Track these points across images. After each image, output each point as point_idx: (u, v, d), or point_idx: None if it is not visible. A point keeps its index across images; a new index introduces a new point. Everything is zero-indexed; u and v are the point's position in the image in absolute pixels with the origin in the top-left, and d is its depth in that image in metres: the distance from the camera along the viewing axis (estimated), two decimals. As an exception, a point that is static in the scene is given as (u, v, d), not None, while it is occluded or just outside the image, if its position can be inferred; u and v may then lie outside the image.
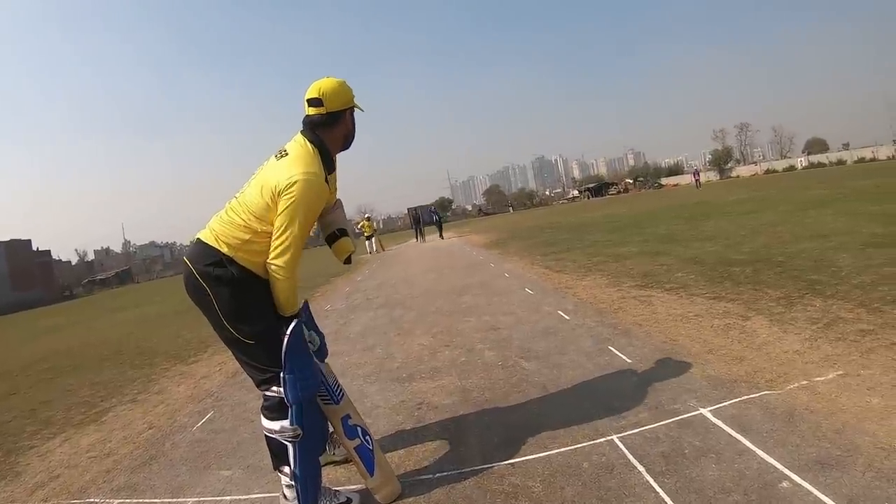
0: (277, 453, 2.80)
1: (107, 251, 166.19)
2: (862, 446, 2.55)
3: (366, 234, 28.59)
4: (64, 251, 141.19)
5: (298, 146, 2.80)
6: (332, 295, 12.25)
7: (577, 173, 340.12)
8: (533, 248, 15.08)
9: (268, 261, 2.69)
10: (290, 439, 2.67)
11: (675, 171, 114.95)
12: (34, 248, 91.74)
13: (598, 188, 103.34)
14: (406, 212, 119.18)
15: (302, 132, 2.88)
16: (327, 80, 2.88)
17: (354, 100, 2.98)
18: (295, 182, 2.60)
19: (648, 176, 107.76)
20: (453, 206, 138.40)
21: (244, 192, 2.82)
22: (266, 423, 2.77)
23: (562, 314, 6.10)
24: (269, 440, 2.81)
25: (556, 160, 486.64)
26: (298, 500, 2.70)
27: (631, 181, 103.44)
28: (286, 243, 2.64)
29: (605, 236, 14.88)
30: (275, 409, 2.72)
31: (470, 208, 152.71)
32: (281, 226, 2.63)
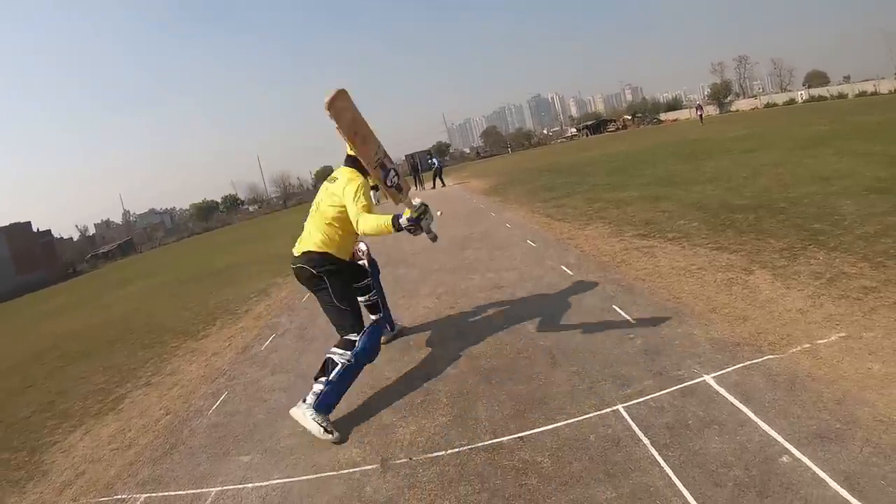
0: (325, 367, 3.94)
1: (107, 223, 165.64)
2: (861, 419, 2.61)
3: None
4: (64, 228, 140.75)
5: (343, 170, 4.29)
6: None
7: (574, 111, 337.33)
8: (533, 193, 15.05)
9: (359, 230, 3.95)
10: (343, 361, 3.89)
11: (674, 106, 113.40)
12: (35, 230, 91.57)
13: (597, 125, 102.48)
14: (404, 159, 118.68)
15: (345, 165, 4.35)
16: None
17: None
18: (348, 180, 4.11)
19: (647, 112, 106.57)
20: (451, 150, 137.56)
21: (318, 208, 4.24)
22: (334, 349, 3.98)
23: (565, 269, 6.13)
24: (326, 358, 3.98)
25: (552, 98, 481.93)
26: (318, 398, 3.78)
27: (629, 117, 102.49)
28: (357, 216, 3.89)
29: (604, 179, 14.84)
30: (344, 345, 3.97)
31: (468, 151, 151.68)
32: (351, 206, 3.96)
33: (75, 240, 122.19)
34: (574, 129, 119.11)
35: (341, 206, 4.08)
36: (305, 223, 4.34)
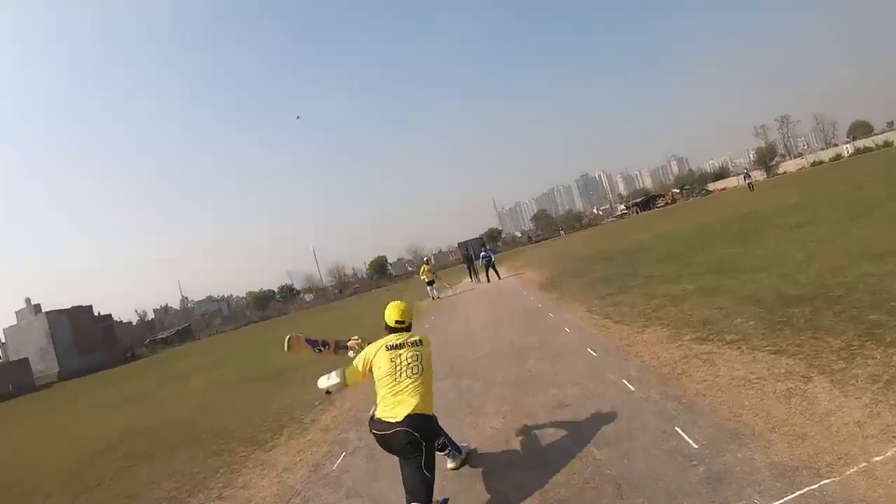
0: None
1: (166, 309, 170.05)
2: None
3: (426, 279, 27.76)
4: (125, 312, 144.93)
5: (408, 334, 4.94)
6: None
7: (622, 187, 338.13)
8: (588, 287, 15.08)
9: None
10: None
11: (721, 174, 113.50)
12: (96, 314, 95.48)
13: (646, 202, 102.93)
14: (457, 246, 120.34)
15: (402, 331, 5.00)
16: (404, 306, 5.16)
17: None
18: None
19: (694, 183, 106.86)
20: (503, 235, 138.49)
21: (409, 368, 4.57)
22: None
23: (626, 384, 6.21)
24: None
25: (599, 176, 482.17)
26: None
27: (678, 191, 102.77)
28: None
29: (657, 268, 14.82)
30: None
31: (519, 235, 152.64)
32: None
33: (134, 324, 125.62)
34: (623, 207, 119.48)
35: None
36: (399, 385, 4.47)
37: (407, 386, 4.46)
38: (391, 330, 5.00)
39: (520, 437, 5.56)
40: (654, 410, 5.23)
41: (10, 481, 10.53)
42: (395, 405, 4.38)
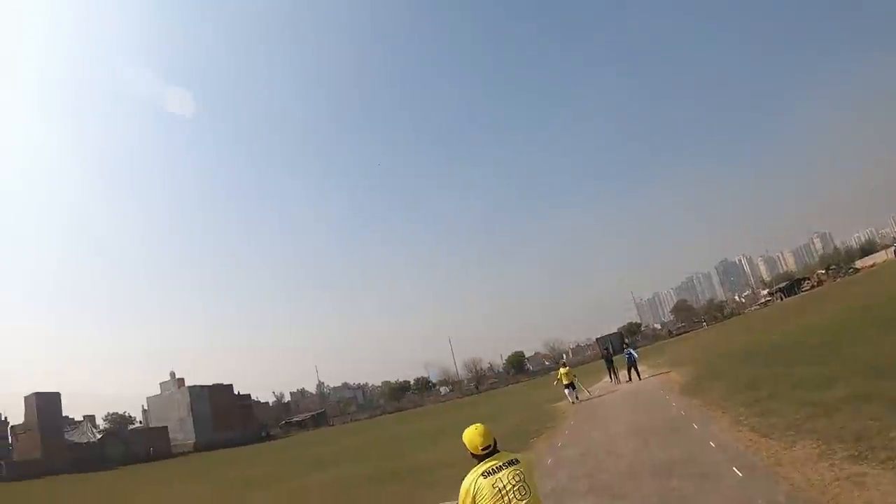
0: None
1: (302, 392, 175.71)
2: None
3: (564, 382, 26.19)
4: (262, 392, 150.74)
5: (501, 455, 4.38)
6: (537, 468, 12.14)
7: (764, 271, 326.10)
8: (732, 393, 14.48)
9: None
10: None
11: (869, 248, 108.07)
12: (236, 393, 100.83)
13: (790, 286, 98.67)
14: (595, 342, 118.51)
15: (491, 454, 4.40)
16: (483, 429, 4.49)
17: None
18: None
19: (840, 262, 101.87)
20: (642, 329, 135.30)
21: (515, 490, 4.15)
22: None
23: None
24: None
25: (739, 260, 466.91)
26: None
27: (823, 271, 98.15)
28: None
29: (807, 368, 14.03)
30: None
31: (659, 327, 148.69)
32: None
33: (271, 404, 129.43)
34: (766, 293, 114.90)
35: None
36: None
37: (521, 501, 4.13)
38: (478, 458, 4.46)
39: None
40: None
41: None
42: None
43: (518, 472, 4.25)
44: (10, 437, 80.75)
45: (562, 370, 26.91)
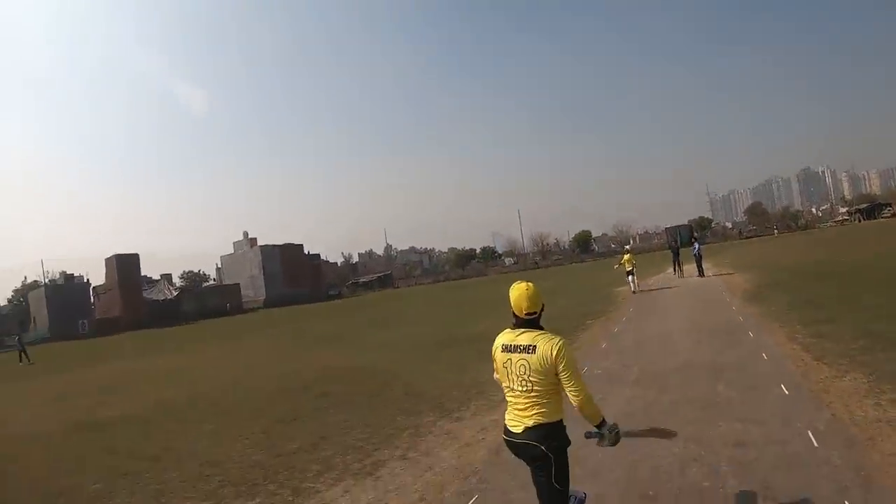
0: None
1: (370, 254, 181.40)
2: None
3: (626, 268, 25.79)
4: (331, 253, 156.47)
5: (538, 333, 3.91)
6: (589, 351, 12.68)
7: (846, 188, 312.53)
8: (794, 308, 14.41)
9: (578, 403, 3.81)
10: None
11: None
12: (306, 252, 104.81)
13: (870, 209, 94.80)
14: (664, 231, 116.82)
15: (528, 328, 3.97)
16: (532, 291, 3.95)
17: None
18: (561, 344, 3.80)
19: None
20: (713, 225, 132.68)
21: (519, 379, 3.89)
22: None
23: (811, 437, 6.03)
24: None
25: (822, 172, 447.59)
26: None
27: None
28: (580, 385, 3.77)
29: (874, 298, 13.79)
30: None
31: (730, 226, 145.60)
32: (569, 376, 3.75)
33: (339, 264, 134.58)
34: (845, 212, 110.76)
35: (550, 374, 3.79)
36: (513, 394, 3.97)
37: (519, 397, 3.93)
38: (517, 322, 4.02)
39: (694, 470, 5.63)
40: (831, 476, 5.09)
41: (229, 404, 12.11)
42: (514, 414, 3.98)
43: (524, 362, 3.85)
44: (91, 297, 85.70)
45: (626, 255, 26.50)
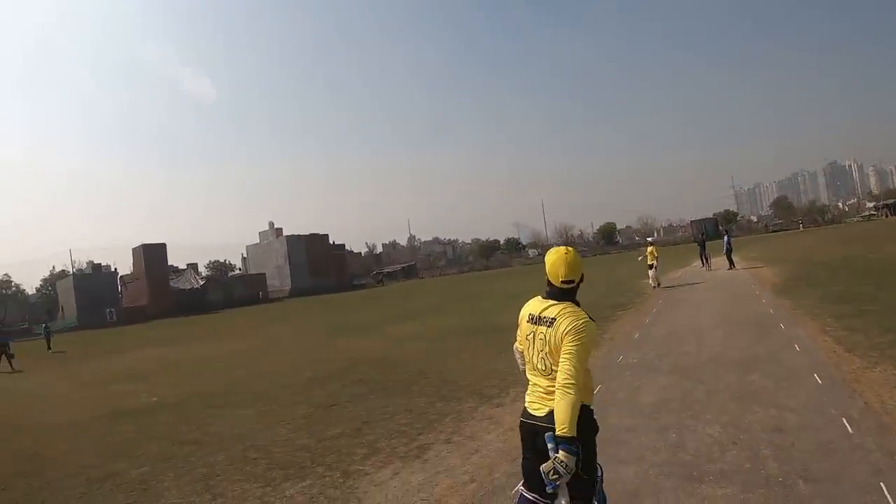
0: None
1: (393, 245, 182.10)
2: None
3: (648, 261, 24.71)
4: (356, 244, 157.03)
5: (567, 307, 3.47)
6: (622, 341, 12.88)
7: (873, 183, 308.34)
8: (825, 301, 14.55)
9: (559, 390, 3.26)
10: None
11: None
12: (331, 242, 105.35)
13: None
14: (689, 224, 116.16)
15: (561, 299, 3.53)
16: (572, 256, 3.53)
17: None
18: (581, 323, 3.35)
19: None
20: (738, 218, 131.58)
21: (539, 355, 3.52)
22: None
23: (845, 423, 6.21)
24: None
25: (849, 166, 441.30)
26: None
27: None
28: (574, 370, 3.26)
29: None
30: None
31: (755, 220, 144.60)
32: (569, 356, 3.29)
33: (363, 255, 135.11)
34: (872, 206, 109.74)
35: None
36: (534, 372, 3.62)
37: (539, 377, 3.56)
38: (550, 291, 3.60)
39: (734, 452, 5.81)
40: (866, 459, 5.26)
41: (266, 390, 12.40)
42: (536, 395, 3.58)
43: (544, 338, 3.47)
44: (119, 286, 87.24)
45: (649, 248, 25.22)
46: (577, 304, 3.52)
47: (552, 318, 3.44)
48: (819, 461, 5.41)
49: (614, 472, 5.47)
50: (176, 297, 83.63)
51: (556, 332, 3.38)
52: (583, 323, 3.35)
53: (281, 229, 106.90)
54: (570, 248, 3.59)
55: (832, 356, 9.28)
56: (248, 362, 17.43)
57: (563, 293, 3.53)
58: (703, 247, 32.36)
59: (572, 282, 3.52)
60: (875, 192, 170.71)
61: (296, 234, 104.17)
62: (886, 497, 4.57)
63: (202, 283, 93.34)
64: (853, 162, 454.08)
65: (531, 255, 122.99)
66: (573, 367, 3.25)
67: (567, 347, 3.31)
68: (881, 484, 4.79)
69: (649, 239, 26.73)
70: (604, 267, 50.85)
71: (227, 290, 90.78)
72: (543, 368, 3.50)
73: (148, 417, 11.10)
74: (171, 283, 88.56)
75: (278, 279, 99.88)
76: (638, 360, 10.79)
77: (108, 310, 77.33)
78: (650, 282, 24.57)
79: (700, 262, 31.88)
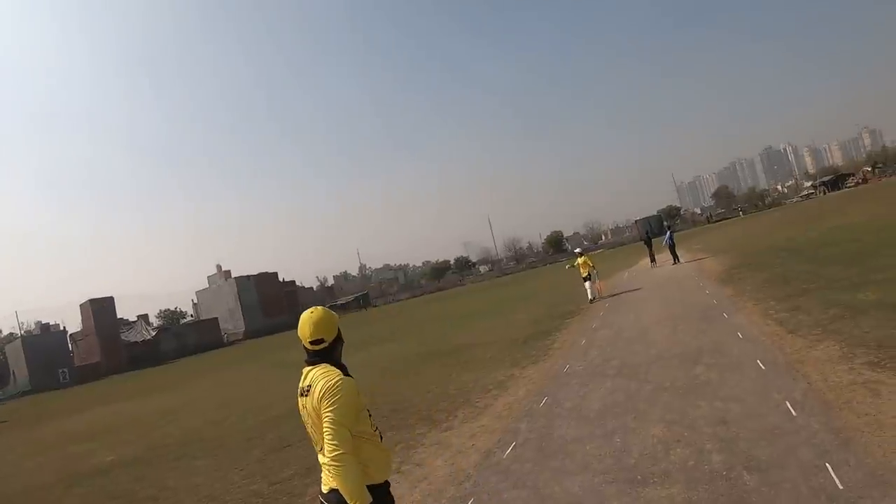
0: None
1: (345, 276, 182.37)
2: None
3: (581, 273, 22.08)
4: (306, 278, 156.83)
5: (321, 370, 3.18)
6: (569, 349, 12.76)
7: (809, 163, 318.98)
8: (767, 286, 14.71)
9: (330, 466, 3.00)
10: None
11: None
12: (281, 279, 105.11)
13: (834, 181, 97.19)
14: (634, 224, 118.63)
15: (316, 362, 3.25)
16: (319, 315, 3.28)
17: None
18: (334, 382, 3.05)
19: (888, 162, 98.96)
20: (682, 212, 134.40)
21: (310, 426, 3.25)
22: None
23: (789, 407, 6.14)
24: None
25: (785, 149, 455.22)
26: None
27: (869, 169, 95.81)
28: (339, 439, 2.96)
29: (841, 270, 13.99)
30: None
31: (699, 212, 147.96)
32: (330, 423, 2.98)
33: (315, 289, 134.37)
34: (810, 185, 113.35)
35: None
36: (314, 443, 3.30)
37: (319, 452, 3.21)
38: (307, 356, 3.32)
39: (678, 450, 5.71)
40: (811, 441, 5.20)
41: (220, 437, 12.09)
42: (324, 471, 3.21)
43: (305, 408, 3.23)
44: (69, 345, 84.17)
45: (579, 259, 22.53)
46: (337, 365, 3.24)
47: (308, 386, 3.18)
48: (763, 449, 5.33)
49: (559, 485, 5.37)
50: (129, 351, 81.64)
51: (312, 400, 3.11)
52: (336, 382, 3.07)
53: (229, 271, 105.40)
54: (317, 308, 3.37)
55: (775, 340, 9.29)
56: (203, 411, 16.98)
57: (316, 355, 3.25)
58: (649, 245, 32.82)
59: (322, 341, 3.23)
60: (811, 171, 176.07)
61: (244, 274, 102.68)
62: (832, 477, 4.50)
63: (154, 333, 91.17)
64: (787, 145, 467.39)
65: (482, 272, 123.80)
66: (338, 435, 2.95)
67: (325, 414, 3.01)
68: (826, 464, 4.72)
69: (578, 250, 24.52)
70: (552, 276, 51.38)
71: (180, 338, 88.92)
72: (316, 442, 3.23)
73: (105, 478, 10.78)
74: (123, 336, 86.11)
75: (231, 322, 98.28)
76: (584, 366, 10.66)
77: (60, 370, 74.66)
78: (587, 294, 21.79)
79: (650, 260, 32.08)
